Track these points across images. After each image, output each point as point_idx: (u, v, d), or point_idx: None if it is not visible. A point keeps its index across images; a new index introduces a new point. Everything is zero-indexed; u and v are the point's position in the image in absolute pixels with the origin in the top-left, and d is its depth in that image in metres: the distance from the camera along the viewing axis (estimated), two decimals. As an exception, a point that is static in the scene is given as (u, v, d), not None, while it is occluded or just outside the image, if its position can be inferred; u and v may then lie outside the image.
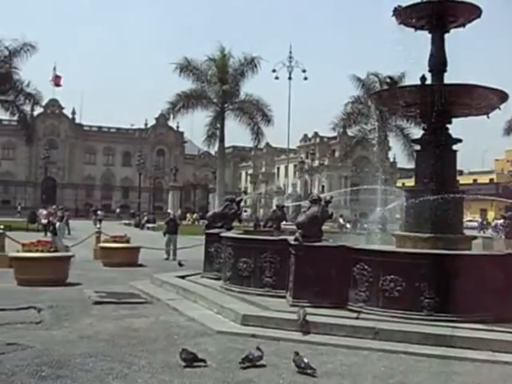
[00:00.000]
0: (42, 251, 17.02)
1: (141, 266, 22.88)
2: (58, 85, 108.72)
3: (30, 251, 17.13)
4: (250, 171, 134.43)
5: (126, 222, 69.12)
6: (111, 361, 8.71)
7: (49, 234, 34.11)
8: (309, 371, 8.22)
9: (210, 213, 19.63)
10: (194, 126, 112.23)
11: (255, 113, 51.47)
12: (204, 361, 8.57)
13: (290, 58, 65.26)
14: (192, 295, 14.19)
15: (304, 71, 65.70)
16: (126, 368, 8.34)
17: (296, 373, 8.28)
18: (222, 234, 15.08)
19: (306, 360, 8.37)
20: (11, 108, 52.32)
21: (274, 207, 19.44)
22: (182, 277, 16.84)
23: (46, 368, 8.19)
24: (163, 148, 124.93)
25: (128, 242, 24.00)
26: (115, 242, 23.77)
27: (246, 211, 75.92)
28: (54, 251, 17.38)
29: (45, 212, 43.44)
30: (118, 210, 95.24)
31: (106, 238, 25.04)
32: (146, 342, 9.99)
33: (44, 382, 7.67)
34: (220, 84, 49.37)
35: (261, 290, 12.91)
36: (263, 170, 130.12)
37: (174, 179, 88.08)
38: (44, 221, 41.59)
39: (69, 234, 40.28)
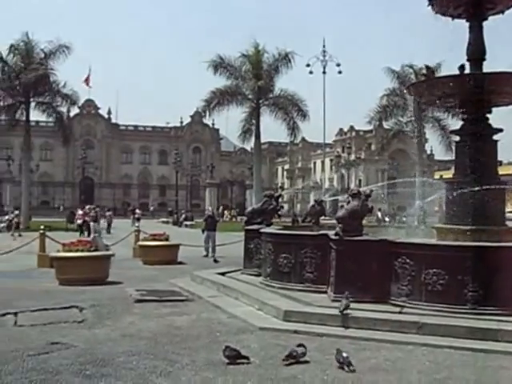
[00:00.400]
0: (82, 251, 17.17)
1: (180, 263, 22.99)
2: (87, 85, 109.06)
3: (71, 251, 17.27)
4: (287, 166, 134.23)
5: (164, 219, 69.61)
6: (154, 359, 8.72)
7: (85, 234, 34.49)
8: (346, 368, 8.12)
9: (249, 209, 19.62)
10: (229, 122, 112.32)
11: (290, 108, 51.19)
12: (247, 358, 8.53)
13: (324, 52, 64.76)
14: (233, 292, 14.17)
15: (338, 65, 65.10)
16: (170, 366, 8.34)
17: (338, 368, 8.19)
18: (262, 230, 15.03)
19: (344, 355, 8.28)
20: (48, 109, 52.79)
21: (313, 202, 19.31)
22: (222, 273, 16.83)
23: (90, 367, 8.23)
24: (199, 145, 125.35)
25: (167, 239, 24.09)
26: (154, 240, 23.88)
27: (282, 207, 75.92)
28: (94, 250, 17.50)
29: (80, 212, 43.57)
30: (151, 208, 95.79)
31: (146, 236, 25.15)
32: (189, 340, 9.99)
33: (89, 380, 7.70)
34: (255, 80, 49.19)
35: (302, 286, 12.84)
36: (299, 165, 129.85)
37: (210, 176, 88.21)
38: (79, 221, 41.79)
39: (108, 233, 40.75)
